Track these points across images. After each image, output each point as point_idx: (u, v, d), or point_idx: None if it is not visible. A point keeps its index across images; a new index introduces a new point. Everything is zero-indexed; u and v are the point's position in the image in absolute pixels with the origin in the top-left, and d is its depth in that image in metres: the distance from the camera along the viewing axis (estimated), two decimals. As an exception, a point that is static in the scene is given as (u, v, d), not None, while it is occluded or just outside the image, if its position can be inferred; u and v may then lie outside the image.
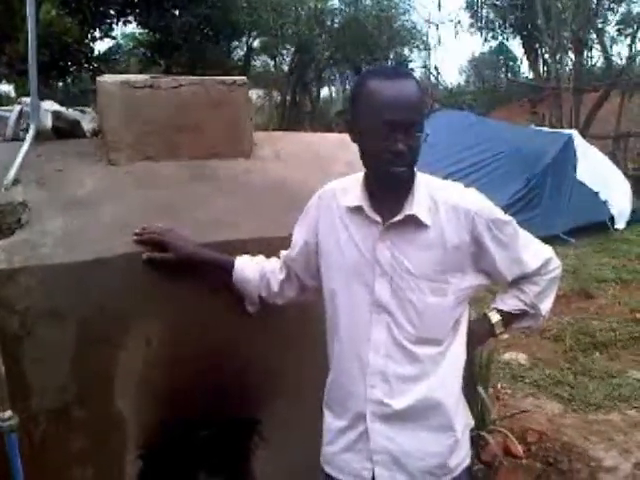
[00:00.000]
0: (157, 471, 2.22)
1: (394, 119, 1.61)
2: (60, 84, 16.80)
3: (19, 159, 2.18)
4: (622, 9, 21.88)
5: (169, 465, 2.25)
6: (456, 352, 1.81)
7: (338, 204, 1.83)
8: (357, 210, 1.78)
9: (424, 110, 1.70)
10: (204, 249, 2.05)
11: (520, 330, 1.99)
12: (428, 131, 1.73)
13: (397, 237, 1.73)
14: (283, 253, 2.04)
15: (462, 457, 1.84)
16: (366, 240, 1.76)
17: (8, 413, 1.82)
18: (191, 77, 2.46)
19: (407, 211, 1.71)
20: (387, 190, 1.74)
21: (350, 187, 1.83)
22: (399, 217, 1.71)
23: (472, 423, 1.94)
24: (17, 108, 2.43)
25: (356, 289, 1.77)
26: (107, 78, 2.41)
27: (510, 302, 1.91)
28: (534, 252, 1.88)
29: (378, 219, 1.73)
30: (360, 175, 1.82)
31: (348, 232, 1.79)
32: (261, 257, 2.07)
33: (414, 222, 1.72)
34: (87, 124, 2.51)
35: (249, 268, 2.02)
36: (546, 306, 1.92)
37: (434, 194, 1.75)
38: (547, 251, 1.92)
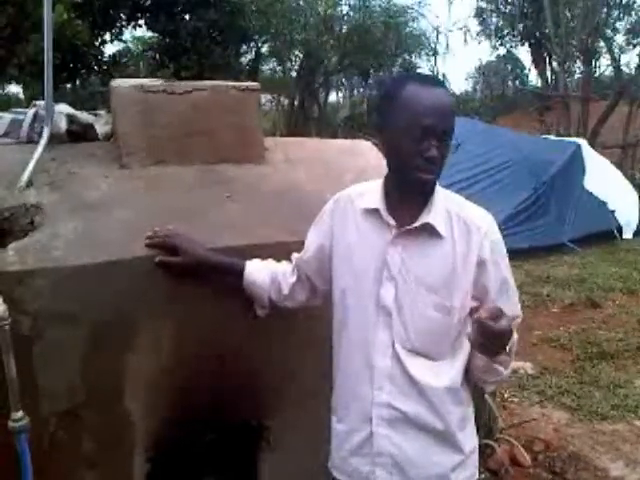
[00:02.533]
0: (165, 474, 2.23)
1: (431, 124, 1.62)
2: (69, 86, 16.88)
3: (33, 162, 2.19)
4: (631, 18, 21.87)
5: (177, 468, 2.26)
6: (453, 377, 1.78)
7: (354, 207, 1.84)
8: (373, 213, 1.78)
9: (454, 120, 1.70)
10: (215, 252, 2.06)
11: (488, 377, 1.83)
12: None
13: (410, 244, 1.73)
14: (295, 255, 2.05)
15: (467, 476, 1.83)
16: (378, 243, 1.76)
17: (19, 414, 1.83)
18: (204, 82, 2.48)
19: (424, 219, 1.72)
20: (409, 195, 1.74)
21: (367, 191, 1.84)
22: (416, 224, 1.72)
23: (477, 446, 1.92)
24: (32, 111, 2.44)
25: (364, 290, 1.77)
26: (121, 82, 2.43)
27: None
28: (516, 301, 1.84)
29: (393, 223, 1.74)
30: (379, 181, 1.83)
31: (361, 234, 1.80)
32: (271, 261, 2.08)
33: (429, 231, 1.72)
34: (100, 127, 2.53)
35: (259, 271, 2.03)
36: (509, 367, 1.81)
37: (449, 207, 1.76)
38: (521, 314, 1.86)
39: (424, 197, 1.74)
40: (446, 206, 1.75)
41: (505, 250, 1.80)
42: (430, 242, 1.73)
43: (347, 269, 1.82)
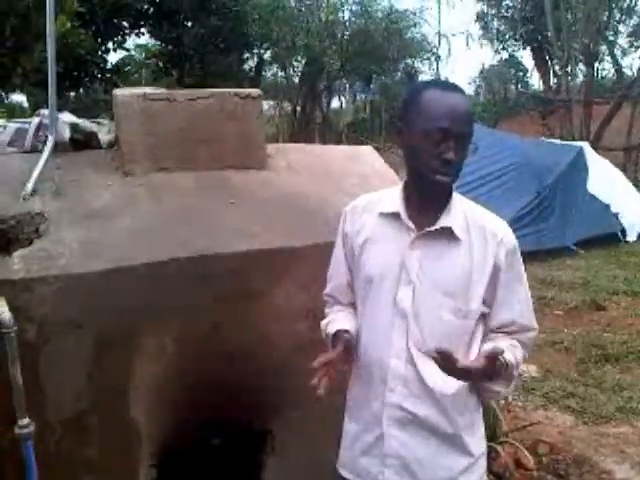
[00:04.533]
0: (170, 479, 2.24)
1: (449, 127, 1.65)
2: (72, 94, 16.94)
3: (37, 170, 2.22)
4: (633, 21, 21.84)
5: (182, 473, 2.27)
6: (464, 382, 1.76)
7: (372, 212, 1.86)
8: (392, 216, 1.80)
9: (473, 125, 1.74)
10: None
11: (488, 394, 1.91)
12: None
13: (428, 247, 1.75)
14: (336, 284, 1.99)
15: (475, 479, 1.84)
16: (397, 246, 1.78)
17: (26, 420, 1.85)
18: (206, 90, 2.50)
19: (443, 223, 1.74)
20: (428, 199, 1.76)
21: (386, 197, 1.86)
22: (435, 227, 1.74)
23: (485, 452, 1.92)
24: (36, 120, 2.47)
25: (382, 294, 1.79)
26: (124, 91, 2.45)
27: (506, 353, 1.70)
28: (529, 310, 1.84)
29: (412, 226, 1.76)
30: (397, 187, 1.86)
31: (379, 237, 1.82)
32: (337, 307, 1.99)
33: (447, 235, 1.74)
34: (103, 136, 2.55)
35: (349, 321, 1.92)
36: (515, 378, 1.81)
37: (466, 213, 1.78)
38: (535, 325, 1.87)
39: (443, 202, 1.77)
40: (464, 212, 1.78)
41: (521, 260, 1.82)
42: (448, 246, 1.75)
43: (365, 273, 1.84)
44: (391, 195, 1.85)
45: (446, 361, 1.58)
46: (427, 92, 1.72)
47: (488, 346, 1.74)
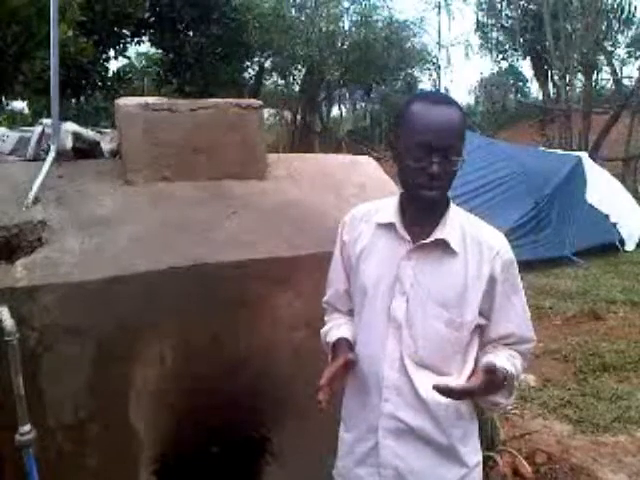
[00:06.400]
0: (170, 486, 2.25)
1: (429, 141, 1.66)
2: (73, 102, 16.97)
3: (40, 179, 2.24)
4: (632, 32, 21.94)
5: (182, 480, 2.28)
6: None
7: (369, 222, 1.87)
8: (388, 227, 1.82)
9: (463, 137, 1.73)
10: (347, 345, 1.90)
11: (490, 406, 1.88)
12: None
13: (423, 259, 1.76)
14: (334, 291, 2.01)
15: None
16: (392, 257, 1.79)
17: (27, 427, 1.86)
18: (208, 100, 2.53)
19: (438, 235, 1.75)
20: (421, 211, 1.77)
21: (383, 207, 1.88)
22: (429, 239, 1.75)
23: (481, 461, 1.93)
24: (38, 129, 2.49)
25: (376, 303, 1.80)
26: (127, 100, 2.47)
27: (506, 364, 1.74)
28: (527, 321, 1.85)
29: (408, 238, 1.77)
30: (394, 197, 1.87)
31: (375, 247, 1.83)
32: (336, 315, 2.01)
33: (443, 247, 1.75)
34: (106, 145, 2.57)
35: (349, 329, 1.94)
36: (515, 389, 1.83)
37: (463, 225, 1.79)
38: (534, 336, 1.89)
39: (438, 213, 1.78)
40: (460, 224, 1.79)
41: (517, 272, 1.82)
42: (443, 258, 1.76)
43: (361, 282, 1.85)
44: (388, 205, 1.86)
45: (445, 393, 1.62)
46: (412, 106, 1.72)
47: (487, 359, 1.75)
